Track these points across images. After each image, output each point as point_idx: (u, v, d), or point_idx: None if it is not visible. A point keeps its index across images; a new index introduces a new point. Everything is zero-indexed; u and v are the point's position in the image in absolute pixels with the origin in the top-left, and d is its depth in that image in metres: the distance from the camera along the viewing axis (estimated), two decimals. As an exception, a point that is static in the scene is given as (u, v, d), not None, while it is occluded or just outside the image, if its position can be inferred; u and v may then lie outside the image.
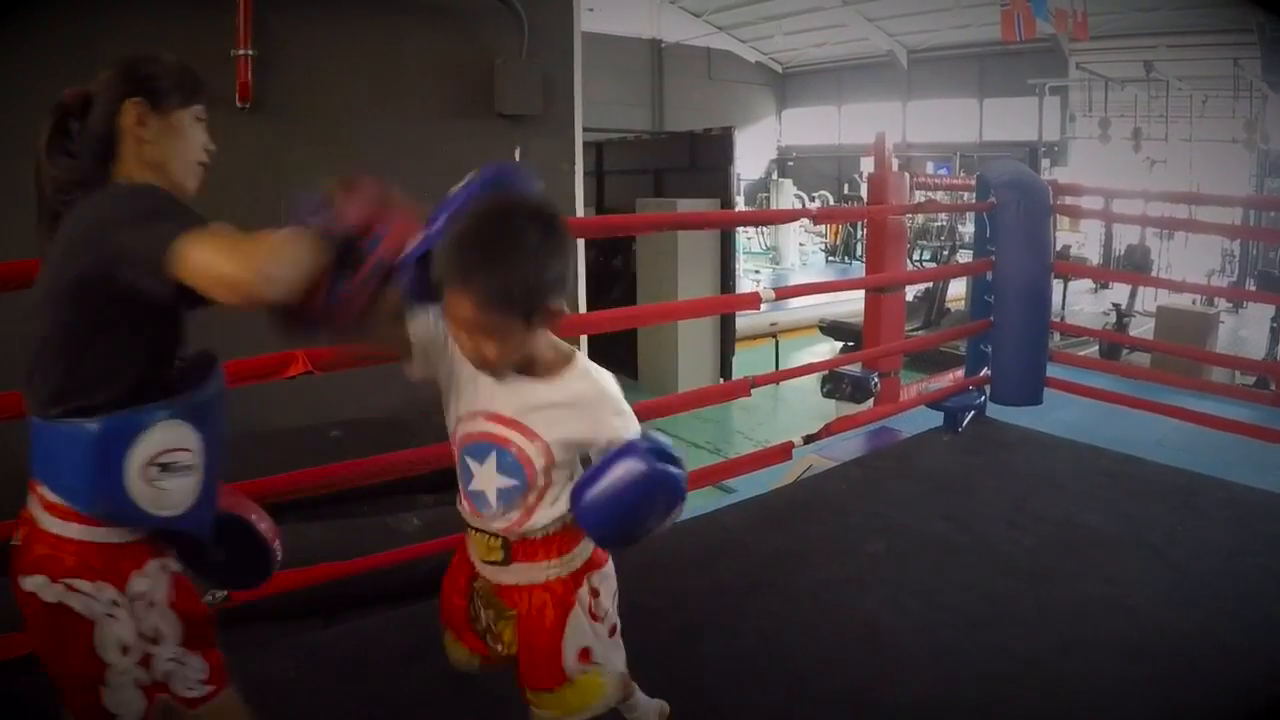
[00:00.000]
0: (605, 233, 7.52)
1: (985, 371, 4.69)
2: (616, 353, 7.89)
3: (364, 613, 2.68)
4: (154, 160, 1.38)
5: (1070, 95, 17.41)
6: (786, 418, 8.09)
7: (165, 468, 1.27)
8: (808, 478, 4.22)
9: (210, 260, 1.14)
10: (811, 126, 21.58)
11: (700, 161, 8.68)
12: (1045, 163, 17.89)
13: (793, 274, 17.17)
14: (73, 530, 1.27)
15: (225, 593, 2.08)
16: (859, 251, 19.59)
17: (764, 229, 18.48)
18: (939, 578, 3.03)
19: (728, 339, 8.97)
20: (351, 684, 2.31)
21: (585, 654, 1.51)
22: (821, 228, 19.95)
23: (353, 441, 3.38)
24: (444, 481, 3.60)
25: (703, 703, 2.23)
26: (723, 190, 8.49)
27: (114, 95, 1.36)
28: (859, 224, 19.38)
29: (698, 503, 3.44)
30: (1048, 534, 3.36)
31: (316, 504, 3.07)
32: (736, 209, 10.22)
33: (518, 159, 4.45)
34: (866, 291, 5.34)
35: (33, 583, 1.27)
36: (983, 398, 4.65)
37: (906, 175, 5.80)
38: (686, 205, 8.16)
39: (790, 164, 20.77)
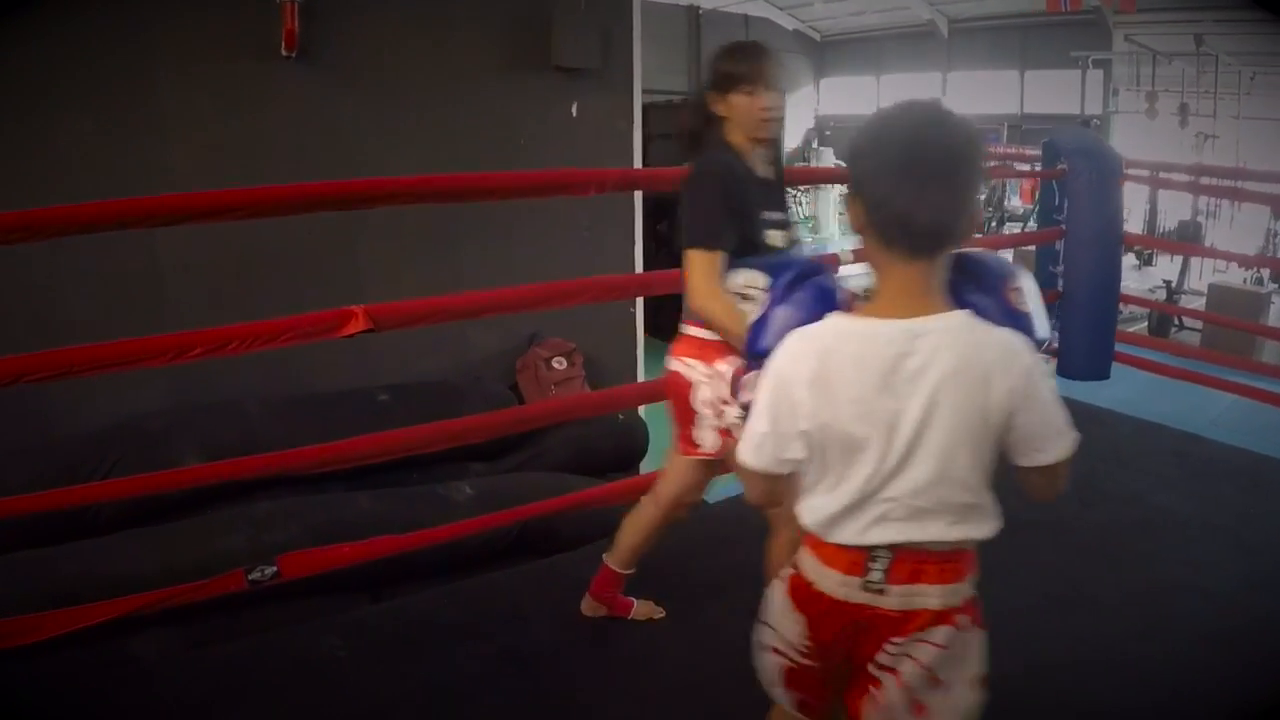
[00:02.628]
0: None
1: (1053, 345, 4.51)
2: (659, 317, 7.74)
3: (414, 587, 2.56)
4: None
5: (1114, 69, 16.92)
6: None
7: (742, 297, 1.62)
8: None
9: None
10: (850, 96, 21.13)
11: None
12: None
13: (831, 243, 16.92)
14: (690, 330, 2.02)
15: (275, 568, 1.96)
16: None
17: (803, 199, 18.28)
18: (1015, 557, 2.87)
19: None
20: (406, 663, 2.22)
21: None
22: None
23: (401, 406, 3.27)
24: (496, 449, 3.53)
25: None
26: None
27: None
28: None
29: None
30: (1119, 513, 3.26)
31: (364, 471, 2.95)
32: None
33: (574, 115, 4.26)
34: None
35: (670, 361, 2.05)
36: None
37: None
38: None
39: (828, 133, 20.38)
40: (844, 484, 1.21)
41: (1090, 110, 17.03)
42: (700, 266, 1.87)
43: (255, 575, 1.81)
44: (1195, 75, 14.30)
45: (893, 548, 1.20)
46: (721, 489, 3.37)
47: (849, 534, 1.21)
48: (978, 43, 19.76)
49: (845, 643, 1.26)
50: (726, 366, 1.94)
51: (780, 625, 1.32)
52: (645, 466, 4.42)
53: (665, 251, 8.83)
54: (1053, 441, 1.20)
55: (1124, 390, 4.73)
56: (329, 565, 2.07)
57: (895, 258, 1.17)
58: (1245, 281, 10.46)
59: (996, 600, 2.54)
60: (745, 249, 1.88)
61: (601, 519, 2.98)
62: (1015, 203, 16.09)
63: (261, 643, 2.30)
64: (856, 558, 1.22)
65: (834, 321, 1.22)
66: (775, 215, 2.01)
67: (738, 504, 3.28)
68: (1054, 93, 18.48)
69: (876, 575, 1.21)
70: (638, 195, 4.57)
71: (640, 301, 4.74)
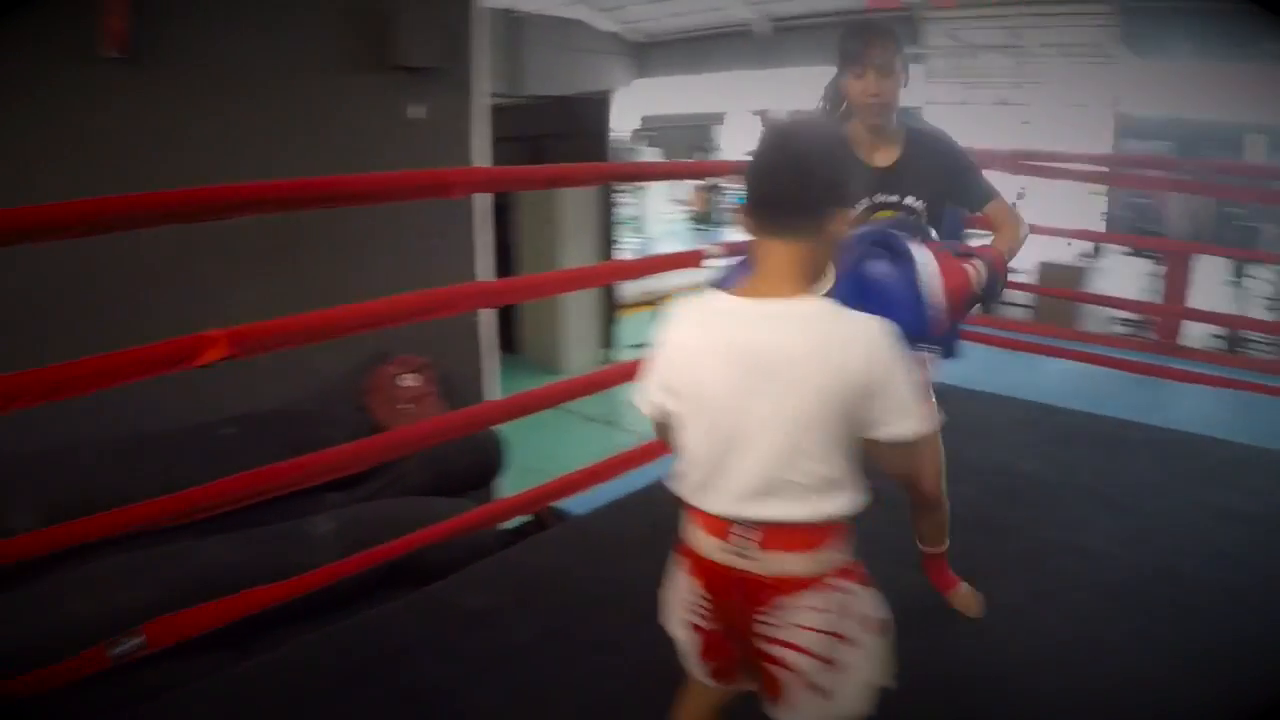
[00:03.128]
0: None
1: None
2: (505, 330, 7.63)
3: (284, 636, 2.37)
4: None
5: (931, 62, 17.89)
6: None
7: None
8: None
9: None
10: (671, 96, 21.46)
11: (578, 128, 8.42)
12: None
13: (658, 243, 17.09)
14: None
15: (140, 638, 1.75)
16: (718, 219, 19.77)
17: (629, 198, 18.42)
18: (895, 534, 2.96)
19: (610, 308, 8.81)
20: (295, 720, 2.04)
21: None
22: (685, 196, 20.12)
23: (251, 440, 3.02)
24: (351, 476, 3.34)
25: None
26: (601, 156, 8.24)
27: None
28: (716, 190, 19.67)
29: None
30: (989, 484, 3.40)
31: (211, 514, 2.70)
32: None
33: (416, 116, 4.07)
34: None
35: None
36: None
37: None
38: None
39: (652, 134, 20.63)
40: (701, 454, 1.32)
41: (910, 102, 17.97)
42: None
43: (119, 649, 1.60)
44: (1011, 66, 15.29)
45: (764, 519, 1.29)
46: (589, 500, 3.35)
47: (712, 503, 1.32)
48: (799, 41, 20.38)
49: (737, 602, 1.34)
50: None
51: (682, 594, 1.41)
52: (506, 484, 4.33)
53: (505, 259, 8.72)
54: (903, 420, 1.27)
55: (967, 367, 4.92)
56: (201, 627, 1.87)
57: (764, 240, 1.30)
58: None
59: (887, 579, 2.67)
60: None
61: (468, 542, 2.89)
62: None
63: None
64: (725, 526, 1.32)
65: (716, 296, 1.33)
66: (885, 199, 2.08)
67: (608, 515, 3.28)
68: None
69: (745, 543, 1.30)
70: (484, 201, 4.43)
71: (487, 312, 4.61)
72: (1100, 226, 12.86)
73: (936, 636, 2.46)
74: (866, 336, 1.25)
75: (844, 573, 1.35)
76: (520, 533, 3.58)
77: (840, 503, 1.31)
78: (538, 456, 4.59)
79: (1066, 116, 16.13)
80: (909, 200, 2.12)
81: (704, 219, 20.04)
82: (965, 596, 2.53)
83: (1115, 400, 4.86)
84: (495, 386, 4.76)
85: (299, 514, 2.88)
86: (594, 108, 8.43)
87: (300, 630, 2.29)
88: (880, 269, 1.44)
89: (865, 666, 1.35)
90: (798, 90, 19.82)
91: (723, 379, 1.28)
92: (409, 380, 3.83)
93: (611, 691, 2.19)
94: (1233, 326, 8.19)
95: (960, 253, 1.85)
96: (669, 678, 1.75)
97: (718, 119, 20.85)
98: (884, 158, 2.15)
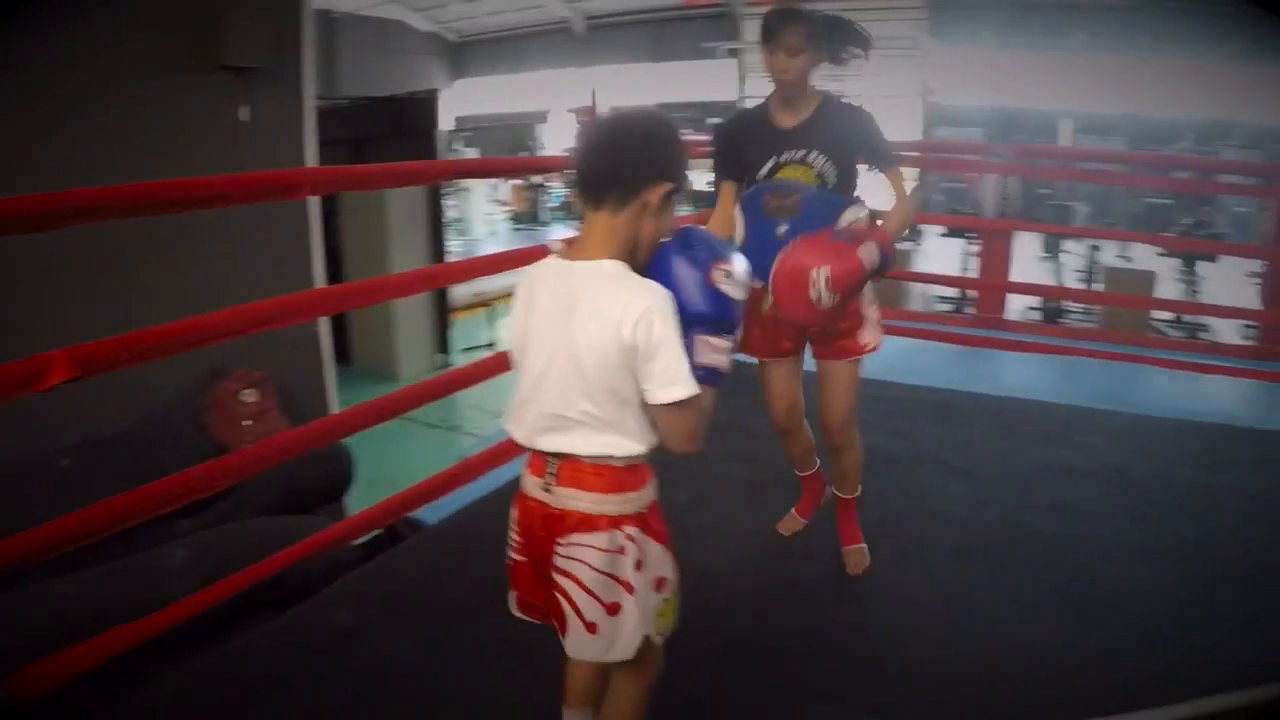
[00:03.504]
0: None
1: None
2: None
3: (143, 677, 2.21)
4: None
5: (744, 57, 18.38)
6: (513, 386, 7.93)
7: None
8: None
9: None
10: (488, 96, 21.27)
11: (404, 128, 8.20)
12: (719, 120, 18.78)
13: (482, 245, 16.90)
14: None
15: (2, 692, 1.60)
16: (544, 217, 19.75)
17: (452, 200, 18.12)
18: (752, 516, 3.09)
19: (443, 311, 8.65)
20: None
21: None
22: (506, 197, 19.98)
23: (90, 470, 2.79)
24: (201, 503, 3.14)
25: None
26: (430, 156, 8.02)
27: None
28: (541, 190, 19.64)
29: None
30: None
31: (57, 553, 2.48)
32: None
33: (244, 118, 3.85)
34: None
35: None
36: None
37: None
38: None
39: (468, 134, 20.38)
40: (520, 391, 1.49)
41: (723, 97, 18.45)
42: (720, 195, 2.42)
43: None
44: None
45: (558, 454, 1.46)
46: (442, 507, 3.30)
47: (514, 432, 1.51)
48: (614, 38, 20.56)
49: (537, 537, 1.49)
50: None
51: (511, 528, 1.57)
52: (354, 498, 4.19)
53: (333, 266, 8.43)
54: (669, 386, 1.39)
55: None
56: (68, 675, 1.71)
57: (585, 211, 1.45)
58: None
59: (742, 559, 2.74)
60: (747, 180, 2.36)
61: (326, 560, 2.78)
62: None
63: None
64: (541, 461, 1.49)
65: (548, 257, 1.50)
66: (790, 155, 2.32)
67: (466, 519, 3.23)
68: (689, 83, 19.77)
69: (550, 478, 1.46)
70: (314, 206, 4.26)
71: (326, 320, 4.45)
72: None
73: (813, 602, 2.59)
74: (643, 304, 1.37)
75: (637, 521, 1.47)
76: (374, 546, 3.47)
77: (614, 444, 1.43)
78: (382, 467, 4.46)
79: (879, 107, 17.05)
80: (812, 156, 2.33)
81: (526, 218, 19.97)
82: (855, 554, 2.74)
83: (947, 372, 5.17)
84: (335, 398, 4.60)
85: (146, 545, 2.69)
86: (421, 107, 8.25)
87: (165, 668, 2.14)
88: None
89: (638, 615, 1.46)
90: (617, 87, 20.07)
91: (536, 326, 1.46)
92: (249, 395, 3.65)
93: (505, 695, 2.16)
94: (1051, 297, 8.78)
95: (854, 238, 2.13)
96: (558, 674, 1.77)
97: (540, 117, 20.80)
98: (792, 120, 2.37)
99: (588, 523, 1.45)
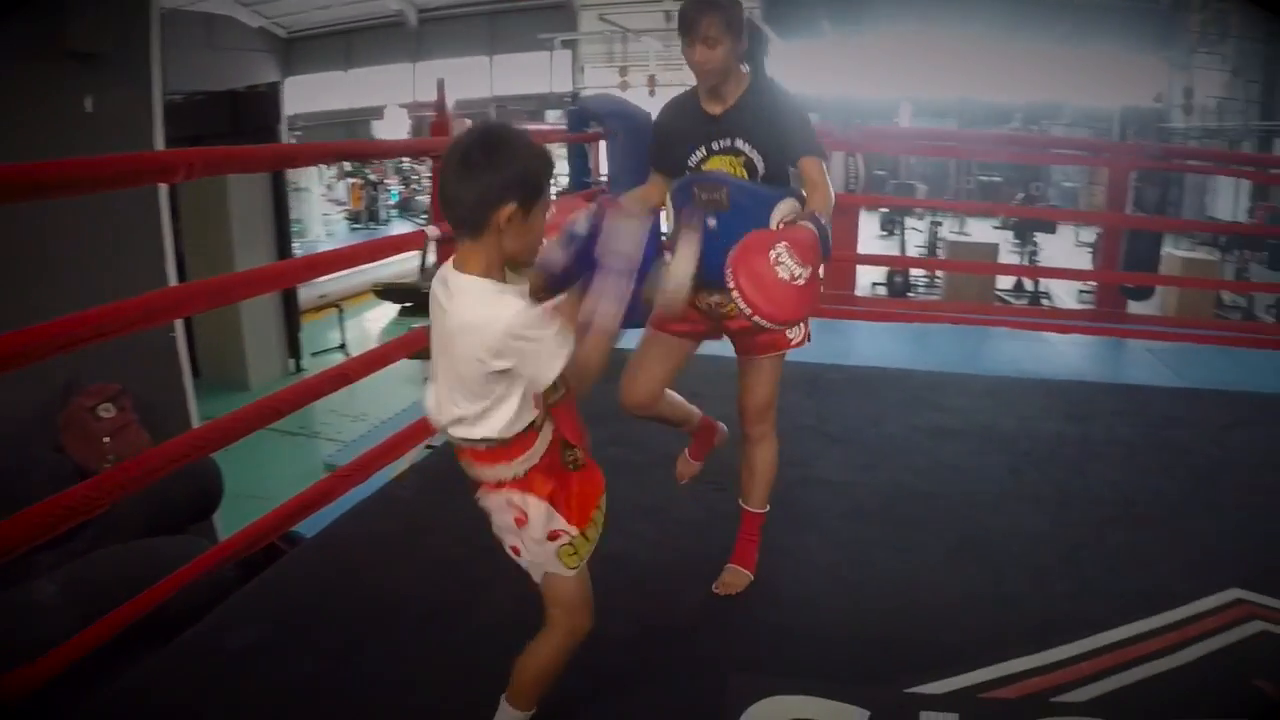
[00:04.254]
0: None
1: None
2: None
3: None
4: None
5: (581, 48, 18.37)
6: (375, 385, 7.61)
7: None
8: (441, 442, 3.96)
9: None
10: (321, 93, 20.55)
11: (244, 124, 7.76)
12: (555, 113, 18.74)
13: (320, 245, 16.33)
14: None
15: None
16: (383, 216, 19.27)
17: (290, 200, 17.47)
18: (643, 497, 3.08)
19: (292, 316, 8.28)
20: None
21: None
22: (343, 195, 19.46)
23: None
24: (66, 534, 2.87)
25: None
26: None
27: None
28: (380, 189, 19.16)
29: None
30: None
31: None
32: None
33: (89, 109, 3.52)
34: (439, 245, 5.28)
35: None
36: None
37: (467, 120, 5.71)
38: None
39: (300, 133, 19.65)
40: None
41: (559, 88, 18.44)
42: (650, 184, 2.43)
43: None
44: (662, 49, 16.03)
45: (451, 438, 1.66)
46: (322, 518, 3.13)
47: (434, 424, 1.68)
48: (447, 30, 20.23)
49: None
50: None
51: None
52: (224, 516, 3.94)
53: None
54: (539, 379, 1.53)
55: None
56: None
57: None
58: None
59: (648, 541, 2.78)
60: (678, 171, 2.34)
61: (207, 581, 2.58)
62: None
63: None
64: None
65: (444, 265, 1.61)
66: (720, 144, 2.30)
67: (347, 526, 3.07)
68: (523, 75, 19.62)
69: (463, 456, 1.68)
70: (164, 206, 3.96)
71: (181, 327, 4.16)
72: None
73: (718, 576, 2.56)
74: (500, 325, 1.47)
75: (516, 484, 1.66)
76: (249, 564, 3.26)
77: (489, 430, 1.59)
78: (244, 480, 4.24)
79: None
80: (739, 144, 2.30)
81: (364, 217, 19.43)
82: (733, 574, 2.56)
83: (806, 346, 5.28)
84: (195, 409, 4.32)
85: (11, 582, 2.43)
86: (261, 102, 7.84)
87: (48, 716, 1.94)
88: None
89: (529, 559, 1.71)
90: (452, 81, 19.72)
91: (434, 329, 1.61)
92: (107, 410, 3.36)
93: (423, 701, 2.08)
94: (917, 268, 9.07)
95: (789, 221, 2.14)
96: (474, 669, 1.74)
97: (375, 113, 20.29)
98: (719, 107, 2.33)
99: (485, 485, 1.70)
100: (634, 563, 2.68)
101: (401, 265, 11.00)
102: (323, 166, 18.83)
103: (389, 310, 11.14)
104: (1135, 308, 7.32)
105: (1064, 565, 2.77)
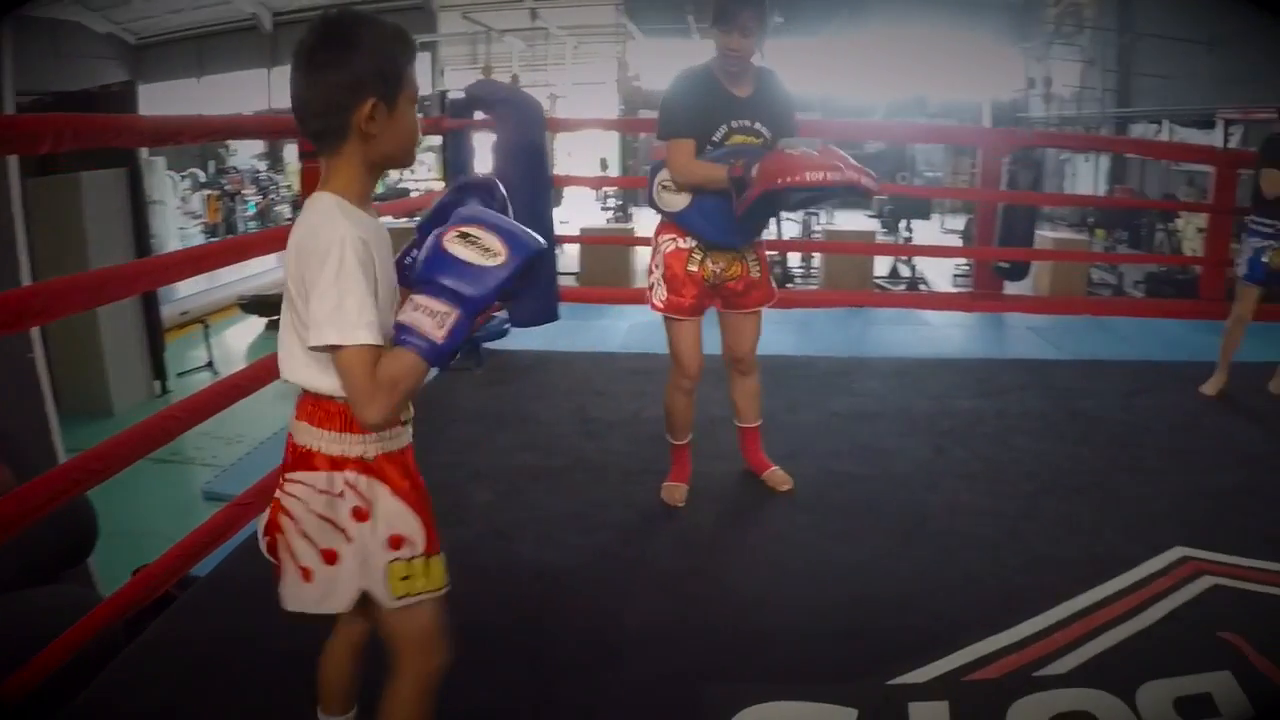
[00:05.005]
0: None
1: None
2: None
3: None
4: None
5: (440, 50, 17.99)
6: (247, 403, 7.11)
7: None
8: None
9: None
10: (173, 101, 19.50)
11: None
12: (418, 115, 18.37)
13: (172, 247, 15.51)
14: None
15: None
16: (241, 228, 18.44)
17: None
18: (566, 503, 2.97)
19: (155, 334, 7.73)
20: None
21: None
22: (198, 209, 18.56)
23: None
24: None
25: None
26: (129, 156, 7.11)
27: None
28: (237, 200, 18.35)
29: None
30: (632, 435, 3.56)
31: None
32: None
33: None
34: None
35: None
36: (508, 324, 4.54)
37: None
38: (92, 178, 6.73)
39: (153, 143, 18.63)
40: None
41: (421, 91, 18.05)
42: (676, 149, 2.62)
43: None
44: (525, 48, 15.83)
45: (297, 387, 1.36)
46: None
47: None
48: (298, 36, 19.60)
49: (277, 473, 1.41)
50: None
51: None
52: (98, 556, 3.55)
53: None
54: (317, 328, 1.23)
55: (541, 333, 4.79)
56: None
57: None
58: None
59: (565, 549, 2.65)
60: (704, 145, 2.62)
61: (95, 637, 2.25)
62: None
63: None
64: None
65: None
66: (741, 123, 2.62)
67: (244, 561, 2.78)
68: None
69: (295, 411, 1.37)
70: (16, 204, 3.54)
71: (40, 348, 3.74)
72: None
73: (664, 580, 2.49)
74: (314, 237, 1.25)
75: (360, 466, 1.35)
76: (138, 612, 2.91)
77: (319, 382, 1.31)
78: (117, 515, 3.84)
79: (584, 95, 17.33)
80: (758, 125, 2.64)
81: (220, 230, 18.55)
82: (775, 475, 3.05)
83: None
84: (60, 440, 3.91)
85: None
86: (115, 102, 7.26)
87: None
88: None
89: (355, 568, 1.35)
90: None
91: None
92: (-41, 444, 2.97)
93: None
94: (811, 251, 9.15)
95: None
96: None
97: (230, 122, 19.44)
98: (742, 91, 2.65)
99: (307, 460, 1.34)
100: (571, 577, 2.52)
101: (266, 277, 10.52)
102: (177, 179, 17.93)
103: (256, 324, 10.61)
104: (1012, 288, 7.55)
105: (1011, 539, 2.74)
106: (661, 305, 2.76)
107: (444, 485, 3.04)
